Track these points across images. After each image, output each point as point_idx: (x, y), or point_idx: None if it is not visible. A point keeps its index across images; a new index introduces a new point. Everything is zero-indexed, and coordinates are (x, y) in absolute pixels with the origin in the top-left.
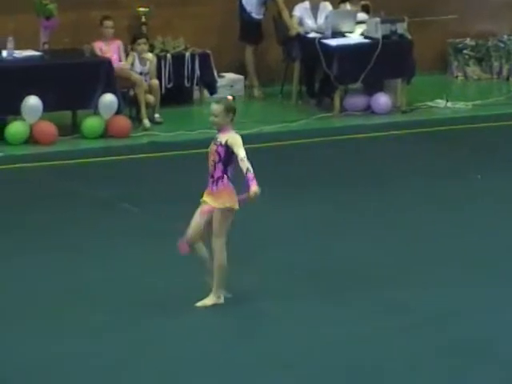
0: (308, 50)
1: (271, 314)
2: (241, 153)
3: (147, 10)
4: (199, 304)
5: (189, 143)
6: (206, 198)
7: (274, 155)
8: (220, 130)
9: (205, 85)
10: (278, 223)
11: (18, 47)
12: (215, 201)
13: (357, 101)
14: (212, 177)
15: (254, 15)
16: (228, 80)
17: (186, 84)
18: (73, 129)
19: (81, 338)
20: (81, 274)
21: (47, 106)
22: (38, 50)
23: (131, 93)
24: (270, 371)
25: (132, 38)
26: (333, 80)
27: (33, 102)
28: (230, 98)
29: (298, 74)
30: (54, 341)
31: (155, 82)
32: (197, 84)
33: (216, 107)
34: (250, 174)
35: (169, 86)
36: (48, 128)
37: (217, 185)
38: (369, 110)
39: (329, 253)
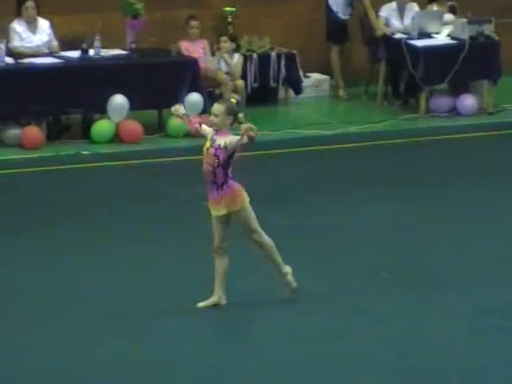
0: (394, 51)
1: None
2: (235, 138)
3: (233, 9)
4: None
5: (273, 143)
6: (215, 206)
7: (358, 156)
8: (218, 131)
9: (290, 85)
10: (365, 221)
11: (104, 46)
12: (231, 205)
13: (442, 102)
14: (215, 183)
15: (341, 15)
16: (313, 80)
17: (272, 84)
18: (158, 128)
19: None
20: (166, 269)
21: (133, 105)
22: (124, 49)
23: (217, 92)
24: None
25: (218, 37)
26: (418, 81)
27: (119, 100)
28: (233, 100)
29: (383, 74)
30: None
31: (240, 82)
32: (282, 84)
33: (218, 107)
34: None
35: (254, 85)
36: (133, 127)
37: (222, 189)
38: (454, 111)
39: (424, 252)
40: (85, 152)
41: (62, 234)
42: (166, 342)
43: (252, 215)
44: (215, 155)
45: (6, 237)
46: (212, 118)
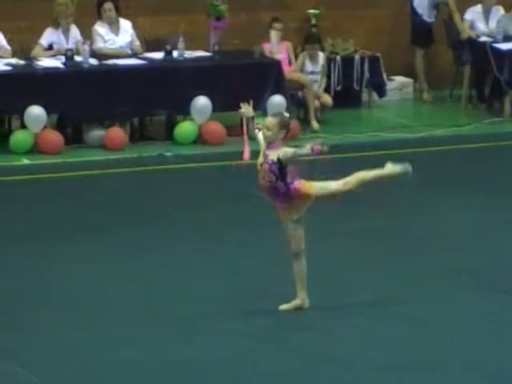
0: (479, 54)
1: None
2: (291, 151)
3: (317, 11)
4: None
5: (357, 146)
6: (287, 214)
7: (443, 159)
8: (270, 145)
9: (374, 87)
10: (446, 225)
11: (188, 47)
12: (302, 203)
13: None
14: (277, 195)
15: (426, 18)
16: (397, 83)
17: (355, 86)
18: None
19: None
20: (246, 272)
21: (216, 107)
22: (208, 51)
23: (300, 95)
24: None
25: (304, 38)
26: (503, 84)
27: (202, 102)
28: (286, 114)
29: (468, 77)
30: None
31: (329, 99)
32: (366, 86)
33: (271, 120)
34: (313, 147)
35: (338, 88)
36: (217, 128)
37: (288, 197)
38: None
39: (506, 257)
40: (168, 153)
41: (144, 236)
42: (245, 343)
43: (324, 187)
44: (271, 171)
45: (88, 238)
46: (265, 131)
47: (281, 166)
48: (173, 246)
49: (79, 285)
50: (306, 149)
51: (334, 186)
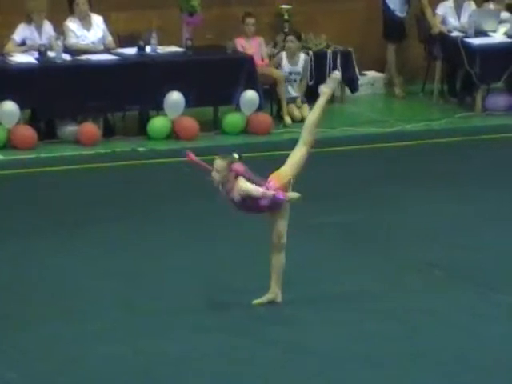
0: (450, 49)
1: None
2: (254, 190)
3: (289, 6)
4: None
5: (330, 141)
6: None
7: (415, 154)
8: (223, 186)
9: (346, 83)
10: (420, 220)
11: (161, 43)
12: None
13: (499, 100)
14: (258, 212)
15: (398, 13)
16: (369, 78)
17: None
18: (214, 125)
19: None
20: (224, 265)
21: (189, 102)
22: (180, 46)
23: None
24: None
25: (274, 34)
26: (475, 79)
27: (175, 97)
28: (235, 155)
29: (439, 72)
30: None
31: (306, 108)
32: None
33: (219, 163)
34: (276, 194)
35: (310, 83)
36: (190, 123)
37: (266, 209)
38: (511, 109)
39: (480, 250)
40: (141, 149)
41: (118, 231)
42: (224, 337)
43: (292, 163)
44: (242, 205)
45: (62, 232)
46: (214, 173)
47: (246, 199)
48: (148, 241)
49: (55, 280)
50: (266, 193)
51: (298, 153)
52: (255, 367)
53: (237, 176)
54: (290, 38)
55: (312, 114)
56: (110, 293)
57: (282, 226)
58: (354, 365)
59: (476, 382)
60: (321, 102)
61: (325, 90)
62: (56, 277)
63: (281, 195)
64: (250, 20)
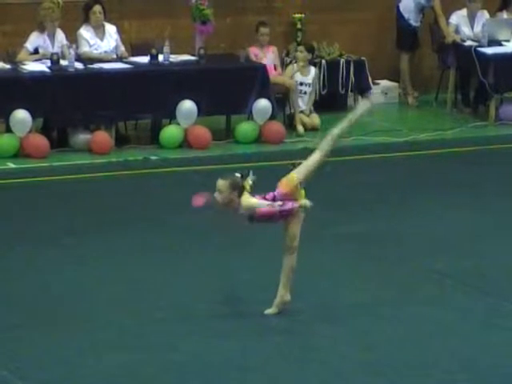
0: (463, 58)
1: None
2: (259, 204)
3: (303, 15)
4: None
5: (342, 149)
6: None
7: (427, 163)
8: (228, 206)
9: (359, 91)
10: (432, 229)
11: (174, 51)
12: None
13: None
14: (277, 219)
15: (412, 22)
16: (382, 87)
17: (341, 91)
18: (227, 134)
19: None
20: (232, 276)
21: (202, 111)
22: (193, 55)
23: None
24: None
25: (287, 43)
26: (488, 88)
27: (188, 106)
28: (237, 175)
29: (452, 81)
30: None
31: (317, 120)
32: (351, 91)
33: (222, 183)
34: (281, 208)
35: (323, 92)
36: (202, 132)
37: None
38: None
39: (492, 260)
40: (153, 157)
41: (129, 239)
42: (233, 345)
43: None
44: (254, 219)
45: (73, 241)
46: (216, 194)
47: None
48: (159, 250)
49: (64, 288)
50: (273, 205)
51: (312, 158)
52: (266, 376)
53: (240, 195)
54: (300, 48)
55: (338, 126)
56: (117, 301)
57: (295, 228)
58: (363, 374)
59: None
60: (353, 116)
61: (361, 106)
62: (64, 285)
63: (288, 206)
64: (264, 30)
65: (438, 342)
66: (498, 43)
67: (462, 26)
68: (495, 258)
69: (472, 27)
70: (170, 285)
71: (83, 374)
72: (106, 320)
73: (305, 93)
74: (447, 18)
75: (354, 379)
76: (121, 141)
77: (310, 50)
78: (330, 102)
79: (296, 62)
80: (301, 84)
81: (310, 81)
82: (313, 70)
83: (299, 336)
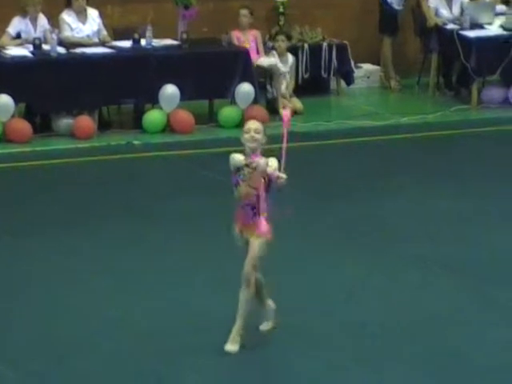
0: (446, 42)
1: None
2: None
3: (285, 0)
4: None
5: (325, 133)
6: (245, 231)
7: (410, 147)
8: (254, 152)
9: (342, 75)
10: (415, 214)
11: (156, 36)
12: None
13: (495, 93)
14: (253, 209)
15: (395, 6)
16: (365, 71)
17: (323, 74)
18: (210, 118)
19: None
20: (221, 264)
21: (185, 95)
22: (176, 39)
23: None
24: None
25: (270, 29)
26: (470, 72)
27: (170, 90)
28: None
29: (435, 65)
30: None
31: (300, 105)
32: (333, 74)
33: (257, 125)
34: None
35: (305, 76)
36: (185, 117)
37: (258, 217)
38: (507, 102)
39: (475, 245)
40: (136, 142)
41: (113, 226)
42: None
43: (264, 253)
44: (261, 178)
45: (56, 228)
46: (253, 135)
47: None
48: (144, 237)
49: (51, 278)
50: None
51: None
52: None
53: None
54: (281, 37)
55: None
56: (104, 291)
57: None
58: (351, 361)
59: (472, 381)
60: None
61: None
62: (49, 273)
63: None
64: (243, 11)
65: (421, 329)
66: (481, 26)
67: (441, 8)
68: (478, 242)
69: (450, 9)
70: (157, 273)
71: (74, 364)
72: (94, 311)
73: (284, 78)
74: (426, 1)
75: (343, 368)
76: (104, 125)
77: (288, 37)
78: (312, 86)
79: (276, 50)
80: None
81: (287, 68)
82: (290, 58)
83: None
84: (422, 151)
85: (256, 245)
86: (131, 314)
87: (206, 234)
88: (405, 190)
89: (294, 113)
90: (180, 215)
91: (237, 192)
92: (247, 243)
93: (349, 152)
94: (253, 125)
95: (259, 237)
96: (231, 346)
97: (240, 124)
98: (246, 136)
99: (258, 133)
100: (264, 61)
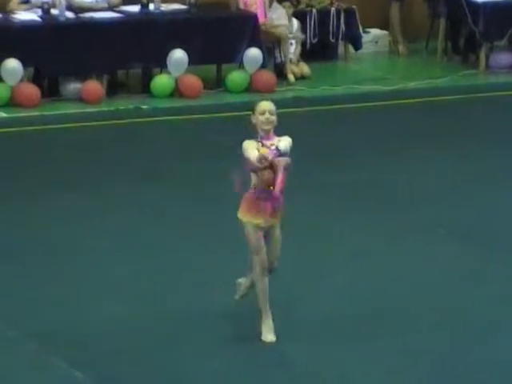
0: (454, 6)
1: None
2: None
3: None
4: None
5: (333, 98)
6: (267, 218)
7: (418, 112)
8: (268, 134)
9: (350, 40)
10: (421, 178)
11: (164, 1)
12: (276, 217)
13: (502, 58)
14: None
15: None
16: (373, 36)
17: (331, 39)
18: (217, 83)
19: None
20: (221, 226)
21: (193, 60)
22: (184, 4)
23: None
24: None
25: None
26: (478, 37)
27: (178, 55)
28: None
29: (443, 30)
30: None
31: (307, 70)
32: (342, 39)
33: (271, 106)
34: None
35: (314, 41)
36: (193, 81)
37: (277, 200)
38: None
39: (481, 209)
40: (144, 106)
41: (120, 189)
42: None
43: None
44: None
45: (64, 191)
46: (269, 116)
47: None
48: (151, 201)
49: (55, 239)
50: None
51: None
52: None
53: None
54: (287, 3)
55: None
56: (110, 252)
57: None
58: (351, 318)
59: (475, 339)
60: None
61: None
62: (55, 236)
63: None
64: None
65: (425, 292)
66: None
67: None
68: (484, 206)
69: None
70: (164, 237)
71: (74, 323)
72: (98, 271)
73: (291, 44)
74: None
75: (343, 324)
76: (112, 90)
77: (296, 2)
78: (320, 51)
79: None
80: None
81: (293, 34)
82: (295, 23)
83: (283, 291)
84: (430, 116)
85: (279, 234)
86: (133, 274)
87: (211, 197)
88: (411, 154)
89: (301, 77)
90: (186, 179)
91: (259, 177)
92: (264, 231)
93: (356, 117)
94: (268, 106)
95: (277, 226)
96: (271, 336)
97: (248, 89)
98: (262, 118)
99: (272, 114)
100: (274, 19)
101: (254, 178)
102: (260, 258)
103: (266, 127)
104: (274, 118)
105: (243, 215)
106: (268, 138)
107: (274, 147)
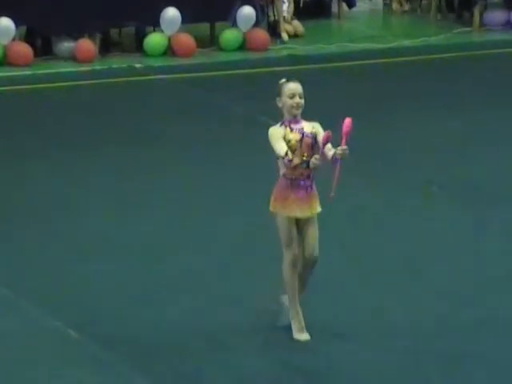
0: None
1: None
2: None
3: None
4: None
5: (327, 56)
6: (299, 206)
7: (412, 69)
8: (296, 117)
9: None
10: (416, 137)
11: None
12: (314, 208)
13: (497, 16)
14: (305, 180)
15: None
16: None
17: None
18: (211, 41)
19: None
20: (222, 188)
21: (186, 18)
22: None
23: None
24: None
25: None
26: None
27: (172, 13)
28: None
29: None
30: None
31: (300, 27)
32: None
33: (300, 88)
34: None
35: None
36: (186, 40)
37: (312, 188)
38: (509, 25)
39: (477, 167)
40: (137, 65)
41: (113, 148)
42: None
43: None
44: (312, 145)
45: (58, 150)
46: (298, 100)
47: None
48: (146, 161)
49: (52, 201)
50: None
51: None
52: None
53: None
54: None
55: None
56: (105, 212)
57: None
58: (352, 284)
59: (473, 296)
60: None
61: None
62: (52, 199)
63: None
64: None
65: (423, 252)
66: None
67: None
68: (479, 165)
69: None
70: (158, 198)
71: (70, 282)
72: (93, 230)
73: (283, 2)
74: None
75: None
76: (105, 48)
77: None
78: (314, 9)
79: None
80: None
81: None
82: None
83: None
84: (424, 73)
85: (316, 225)
86: (133, 237)
87: (205, 158)
88: (407, 114)
89: (295, 35)
90: (180, 139)
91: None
92: (294, 223)
93: (350, 75)
94: (297, 89)
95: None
96: (304, 335)
97: (241, 47)
98: (291, 102)
99: (301, 97)
100: None
101: (282, 167)
102: (291, 251)
103: (296, 111)
104: (303, 101)
105: (274, 206)
106: (296, 122)
107: (308, 132)
